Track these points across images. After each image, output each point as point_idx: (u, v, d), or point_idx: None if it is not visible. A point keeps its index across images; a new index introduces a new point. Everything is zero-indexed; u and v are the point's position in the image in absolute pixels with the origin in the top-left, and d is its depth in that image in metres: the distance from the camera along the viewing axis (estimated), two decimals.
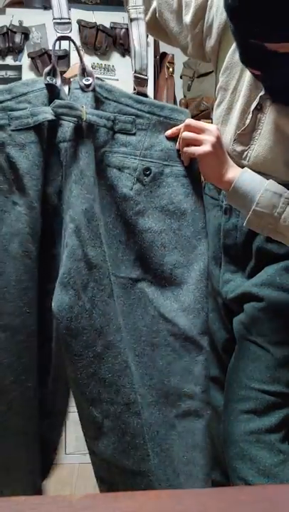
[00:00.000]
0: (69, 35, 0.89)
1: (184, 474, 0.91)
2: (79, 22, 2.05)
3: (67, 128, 0.87)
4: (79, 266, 0.84)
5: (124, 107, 0.91)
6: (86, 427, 0.91)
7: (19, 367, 0.90)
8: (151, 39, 1.82)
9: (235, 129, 1.05)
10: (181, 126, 0.92)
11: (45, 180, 0.89)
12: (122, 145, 0.91)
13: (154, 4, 1.16)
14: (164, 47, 2.03)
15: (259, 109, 1.01)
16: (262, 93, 1.00)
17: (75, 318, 0.84)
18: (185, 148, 0.92)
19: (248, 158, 1.04)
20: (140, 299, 0.92)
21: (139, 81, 0.94)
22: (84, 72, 0.88)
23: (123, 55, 2.09)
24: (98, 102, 0.89)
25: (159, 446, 0.90)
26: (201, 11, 1.09)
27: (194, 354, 0.93)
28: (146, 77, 0.94)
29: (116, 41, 2.07)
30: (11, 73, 2.11)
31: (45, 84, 0.88)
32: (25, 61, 2.08)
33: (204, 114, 2.23)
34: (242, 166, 1.01)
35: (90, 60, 2.09)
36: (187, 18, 1.11)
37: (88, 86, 0.88)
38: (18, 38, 2.04)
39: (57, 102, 0.85)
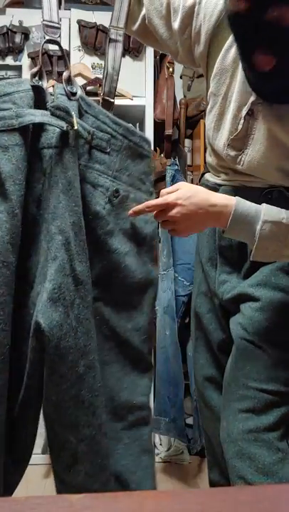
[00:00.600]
0: (57, 39, 0.88)
1: (133, 483, 0.92)
2: (79, 22, 2.05)
3: (52, 134, 0.84)
4: (68, 281, 0.81)
5: (102, 124, 0.90)
6: (59, 456, 0.88)
7: None
8: None
9: (228, 134, 1.05)
10: (141, 206, 0.93)
11: (25, 187, 0.83)
12: (97, 162, 0.90)
13: (143, 11, 1.16)
14: None
15: (250, 114, 1.01)
16: (253, 99, 1.00)
17: (63, 337, 0.80)
18: (163, 227, 0.98)
19: (242, 163, 1.05)
20: (94, 318, 0.90)
21: (107, 104, 0.94)
22: (69, 79, 0.87)
23: (123, 56, 2.09)
24: (79, 114, 0.88)
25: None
26: (188, 18, 1.08)
27: (142, 370, 0.97)
28: (112, 101, 0.95)
29: None
30: (11, 73, 2.11)
31: (32, 86, 0.84)
32: (25, 61, 2.08)
33: (204, 114, 2.23)
34: (236, 170, 1.01)
35: (90, 60, 2.09)
36: (175, 24, 1.10)
37: (74, 94, 0.87)
38: (18, 38, 2.04)
39: (56, 102, 0.83)
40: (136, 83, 2.06)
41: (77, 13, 2.08)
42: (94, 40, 2.05)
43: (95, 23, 2.05)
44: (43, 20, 0.87)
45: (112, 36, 0.95)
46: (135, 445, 0.94)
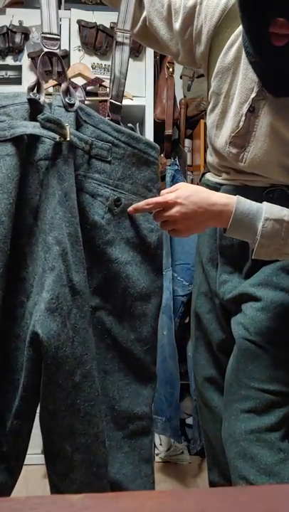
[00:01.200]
0: (56, 51, 0.88)
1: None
2: (79, 22, 2.05)
3: (49, 146, 0.85)
4: (65, 291, 0.82)
5: (102, 133, 0.90)
6: (55, 465, 0.88)
7: None
8: None
9: (230, 131, 1.05)
10: (141, 204, 0.92)
11: (22, 199, 0.84)
12: (97, 171, 0.90)
13: (144, 13, 1.16)
14: None
15: (252, 111, 1.01)
16: (253, 95, 1.00)
17: (61, 347, 0.81)
18: (163, 227, 0.97)
19: (244, 160, 1.05)
20: (96, 327, 0.91)
21: (114, 107, 0.94)
22: (68, 91, 0.87)
23: None
24: (78, 124, 0.88)
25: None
26: (189, 18, 1.09)
27: (145, 380, 0.96)
28: (120, 104, 0.94)
29: None
30: (11, 73, 2.11)
31: (28, 99, 0.85)
32: (25, 61, 2.07)
33: (204, 114, 2.23)
34: (238, 169, 1.01)
35: (90, 60, 2.09)
36: (177, 24, 1.11)
37: (71, 106, 0.87)
38: (18, 38, 2.04)
39: (46, 114, 0.83)
40: (136, 83, 2.06)
41: (77, 13, 2.08)
42: (94, 40, 2.05)
43: (95, 23, 2.05)
44: (42, 32, 0.87)
45: (119, 39, 0.94)
46: (135, 454, 0.95)
